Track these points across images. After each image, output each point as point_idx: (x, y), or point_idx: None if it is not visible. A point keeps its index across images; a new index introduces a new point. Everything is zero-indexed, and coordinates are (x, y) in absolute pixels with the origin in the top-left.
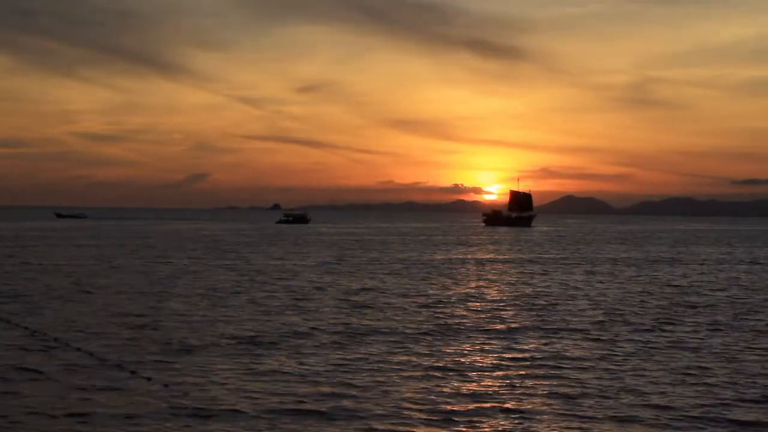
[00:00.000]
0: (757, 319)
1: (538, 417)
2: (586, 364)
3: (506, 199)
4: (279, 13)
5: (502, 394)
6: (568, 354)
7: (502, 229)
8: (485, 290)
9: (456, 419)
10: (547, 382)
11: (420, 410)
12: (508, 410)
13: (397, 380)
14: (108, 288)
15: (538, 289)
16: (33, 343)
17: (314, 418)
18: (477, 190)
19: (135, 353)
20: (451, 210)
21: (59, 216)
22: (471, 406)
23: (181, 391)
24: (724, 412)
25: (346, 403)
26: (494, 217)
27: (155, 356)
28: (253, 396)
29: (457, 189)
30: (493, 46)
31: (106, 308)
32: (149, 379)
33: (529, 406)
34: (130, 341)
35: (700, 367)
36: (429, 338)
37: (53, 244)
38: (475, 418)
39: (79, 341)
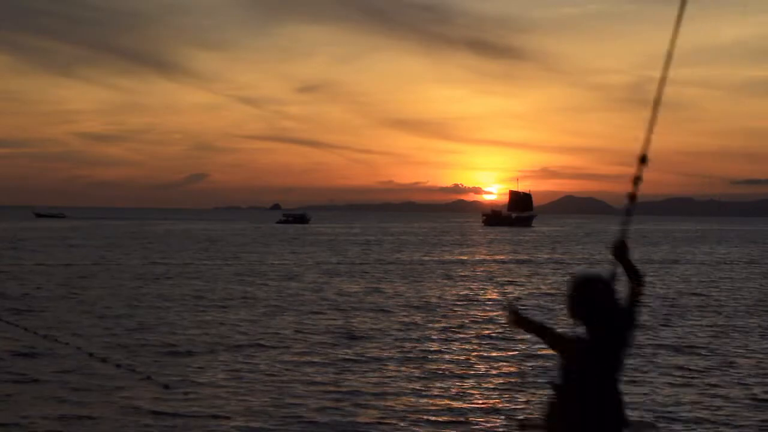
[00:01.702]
0: (754, 320)
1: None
2: None
3: (506, 199)
4: (279, 13)
5: (500, 398)
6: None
7: (502, 230)
8: (483, 291)
9: (453, 423)
10: (545, 386)
11: (416, 414)
12: (505, 414)
13: (394, 383)
14: (103, 289)
15: (537, 290)
16: (29, 344)
17: (309, 422)
18: (477, 190)
19: (133, 355)
20: (451, 210)
21: (38, 216)
22: (468, 410)
23: (181, 391)
24: (721, 415)
25: (341, 407)
26: (494, 217)
27: (152, 358)
28: (250, 400)
29: (457, 189)
30: (492, 46)
31: (102, 309)
32: (149, 378)
33: (526, 411)
34: (127, 342)
35: (697, 369)
36: (427, 340)
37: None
38: (472, 422)
39: (76, 342)
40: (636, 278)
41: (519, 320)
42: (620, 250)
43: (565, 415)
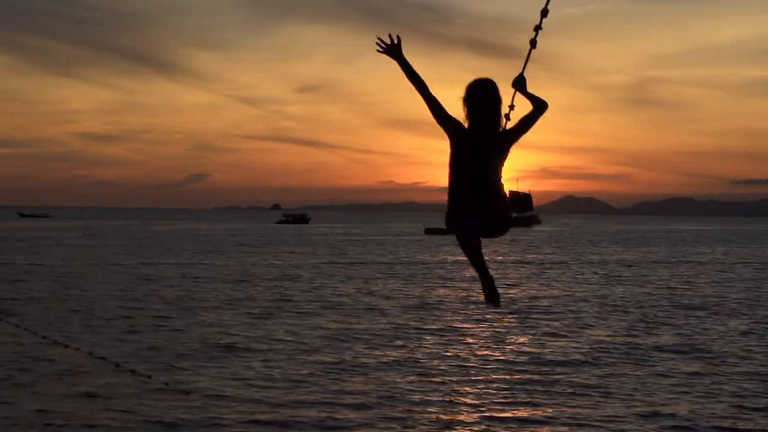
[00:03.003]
0: (753, 321)
1: (531, 423)
2: (582, 368)
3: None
4: (279, 13)
5: (495, 399)
6: (563, 358)
7: None
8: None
9: (452, 424)
10: (541, 387)
11: (415, 416)
12: (500, 416)
13: (392, 385)
14: (101, 290)
15: (534, 291)
16: (27, 345)
17: (307, 425)
18: None
19: (132, 356)
20: None
21: (22, 216)
22: (466, 412)
23: (180, 393)
24: (720, 417)
25: (335, 408)
26: None
27: (151, 360)
28: (247, 402)
29: None
30: (492, 46)
31: (100, 310)
32: (149, 377)
33: (522, 412)
34: (126, 344)
35: (697, 371)
36: (425, 343)
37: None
38: (467, 424)
39: (75, 343)
40: (536, 101)
41: (398, 54)
42: (519, 82)
43: (450, 190)
